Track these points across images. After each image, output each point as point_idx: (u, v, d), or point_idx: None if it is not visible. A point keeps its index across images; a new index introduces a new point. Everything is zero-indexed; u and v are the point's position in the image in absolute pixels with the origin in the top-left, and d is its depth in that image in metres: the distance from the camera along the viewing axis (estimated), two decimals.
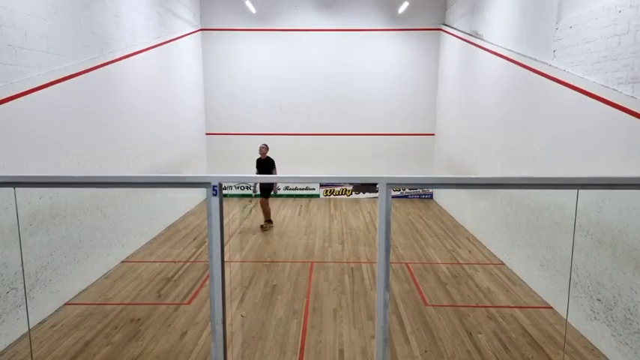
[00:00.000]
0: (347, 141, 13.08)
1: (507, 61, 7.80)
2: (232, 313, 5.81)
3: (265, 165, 9.66)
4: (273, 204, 12.42)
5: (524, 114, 7.10)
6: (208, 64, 12.70)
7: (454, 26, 11.26)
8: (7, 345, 4.92)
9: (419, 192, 13.24)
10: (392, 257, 8.05)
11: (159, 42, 9.41)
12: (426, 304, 6.14)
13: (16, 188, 2.64)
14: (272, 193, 10.06)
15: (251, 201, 12.47)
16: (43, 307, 5.57)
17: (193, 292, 6.45)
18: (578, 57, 5.62)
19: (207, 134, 13.01)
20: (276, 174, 9.53)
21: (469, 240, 9.11)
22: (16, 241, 4.92)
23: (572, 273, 5.42)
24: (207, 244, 2.73)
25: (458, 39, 10.85)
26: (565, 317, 5.62)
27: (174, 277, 7.00)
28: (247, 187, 13.12)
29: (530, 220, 6.66)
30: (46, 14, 5.70)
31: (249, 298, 6.28)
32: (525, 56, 7.09)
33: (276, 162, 9.78)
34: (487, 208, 8.59)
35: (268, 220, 9.99)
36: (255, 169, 9.89)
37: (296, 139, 13.05)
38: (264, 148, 9.69)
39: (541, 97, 6.54)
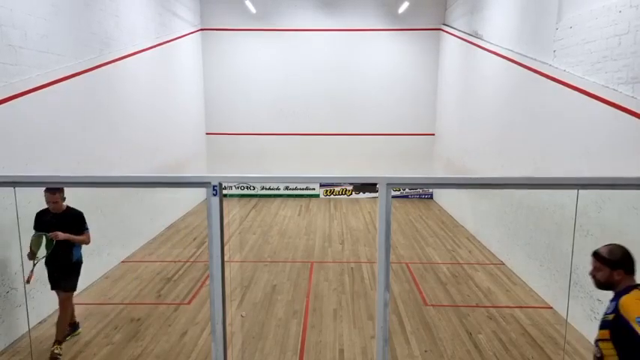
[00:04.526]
0: (347, 141, 13.07)
1: (507, 61, 7.79)
2: (232, 313, 5.81)
3: (60, 225, 4.72)
4: (273, 204, 12.43)
5: (524, 114, 7.09)
6: (208, 64, 12.69)
7: (454, 26, 11.25)
8: (7, 345, 4.92)
9: (419, 192, 13.24)
10: (392, 257, 8.03)
11: (159, 42, 9.41)
12: (426, 304, 6.14)
13: (16, 188, 2.64)
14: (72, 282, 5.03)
15: (250, 201, 12.45)
16: (43, 307, 5.57)
17: (193, 292, 6.45)
18: (578, 57, 5.61)
19: (207, 134, 13.01)
20: (87, 241, 4.95)
21: (469, 240, 9.10)
22: (16, 242, 4.91)
23: (572, 273, 5.41)
24: (207, 244, 2.73)
25: (458, 39, 10.84)
26: (565, 317, 5.61)
27: (175, 277, 7.00)
28: (247, 187, 13.12)
29: (530, 220, 6.66)
30: (46, 14, 5.70)
31: (249, 298, 6.28)
32: (525, 56, 7.09)
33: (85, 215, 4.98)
34: (487, 208, 8.59)
35: (59, 341, 4.88)
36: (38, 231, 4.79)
37: (296, 138, 13.05)
38: (54, 197, 4.66)
39: (541, 97, 6.53)
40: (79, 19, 6.46)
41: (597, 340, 2.66)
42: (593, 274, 2.74)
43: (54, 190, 4.66)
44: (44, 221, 4.78)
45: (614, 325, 2.52)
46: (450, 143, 11.53)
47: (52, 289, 5.00)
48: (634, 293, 2.55)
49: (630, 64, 4.64)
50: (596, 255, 2.72)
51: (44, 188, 4.64)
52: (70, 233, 4.78)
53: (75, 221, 4.86)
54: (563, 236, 5.71)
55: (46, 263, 4.86)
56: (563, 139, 5.88)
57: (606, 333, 2.56)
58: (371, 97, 12.90)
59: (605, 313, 2.62)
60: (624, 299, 2.52)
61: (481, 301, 6.22)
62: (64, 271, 4.94)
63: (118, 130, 7.63)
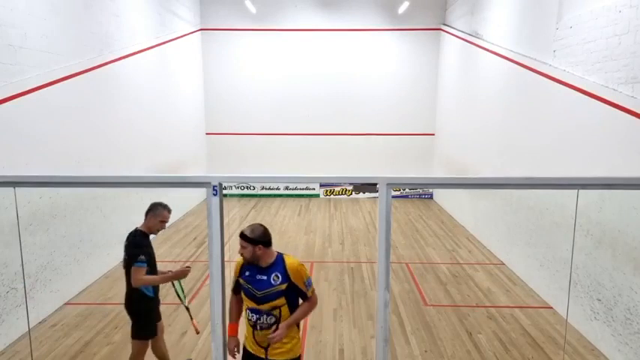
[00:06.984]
0: (347, 141, 13.07)
1: (507, 61, 7.79)
2: None
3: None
4: (273, 204, 12.42)
5: (524, 114, 7.09)
6: (208, 64, 12.69)
7: (454, 26, 11.25)
8: (7, 345, 4.92)
9: (419, 192, 13.24)
10: (392, 257, 8.02)
11: (159, 42, 9.40)
12: (425, 304, 6.13)
13: (16, 188, 2.64)
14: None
15: (250, 201, 12.45)
16: (43, 306, 5.56)
17: (193, 292, 6.45)
18: (578, 57, 5.61)
19: (207, 134, 13.01)
20: None
21: (469, 240, 9.10)
22: (16, 241, 4.92)
23: (572, 273, 5.41)
24: (207, 244, 2.73)
25: (458, 39, 10.84)
26: (565, 317, 5.61)
27: None
28: (247, 187, 13.12)
29: (530, 220, 6.66)
30: (45, 14, 5.70)
31: None
32: (525, 56, 7.09)
33: None
34: (487, 208, 8.59)
35: None
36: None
37: (296, 138, 13.04)
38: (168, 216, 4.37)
39: (541, 97, 6.53)
40: (78, 19, 6.46)
41: (270, 310, 3.00)
42: (241, 253, 3.05)
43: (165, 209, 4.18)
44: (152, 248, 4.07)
45: (287, 291, 3.00)
46: (449, 143, 11.53)
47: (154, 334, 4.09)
48: (291, 260, 3.08)
49: (630, 64, 4.64)
50: (241, 235, 3.01)
51: (162, 206, 4.24)
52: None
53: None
54: (563, 236, 5.71)
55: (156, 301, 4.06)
56: (563, 139, 5.88)
57: (282, 300, 2.99)
58: (371, 97, 12.90)
59: (272, 285, 2.99)
60: (290, 267, 3.02)
61: (481, 301, 6.22)
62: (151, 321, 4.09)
63: (118, 129, 7.63)
